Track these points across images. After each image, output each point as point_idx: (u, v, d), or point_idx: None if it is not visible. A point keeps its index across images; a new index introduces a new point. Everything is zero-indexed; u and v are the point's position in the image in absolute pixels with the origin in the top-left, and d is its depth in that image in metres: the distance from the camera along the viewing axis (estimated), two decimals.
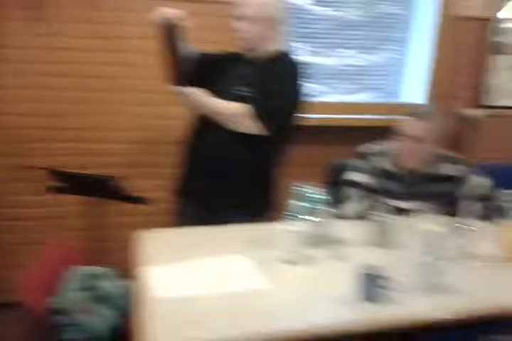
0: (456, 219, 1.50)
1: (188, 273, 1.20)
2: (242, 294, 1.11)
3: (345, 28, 2.60)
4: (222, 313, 1.02)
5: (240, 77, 1.69)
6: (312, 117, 2.38)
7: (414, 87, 2.71)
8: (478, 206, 1.64)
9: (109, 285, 1.16)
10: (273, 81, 1.62)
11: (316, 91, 2.58)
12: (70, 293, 1.10)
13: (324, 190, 1.46)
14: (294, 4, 2.46)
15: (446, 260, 1.20)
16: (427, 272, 1.12)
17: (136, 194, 1.96)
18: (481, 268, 1.32)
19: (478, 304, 1.10)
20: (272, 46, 1.69)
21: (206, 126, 1.68)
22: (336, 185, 1.88)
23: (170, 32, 1.54)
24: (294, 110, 1.65)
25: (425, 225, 1.15)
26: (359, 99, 2.71)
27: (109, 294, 1.13)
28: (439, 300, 1.11)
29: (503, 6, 2.64)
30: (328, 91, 2.67)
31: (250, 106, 1.58)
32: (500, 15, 2.65)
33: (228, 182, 1.69)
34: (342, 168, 1.91)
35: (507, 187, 1.74)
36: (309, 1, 2.52)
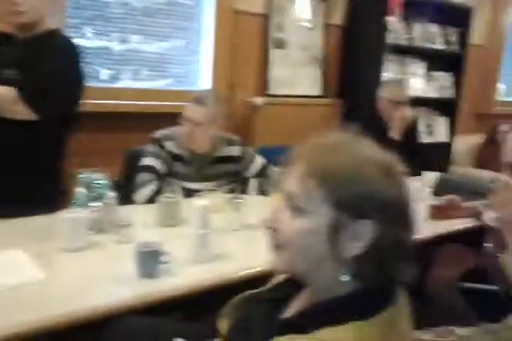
0: (238, 194, 1.67)
1: None
2: (14, 287, 1.06)
3: (134, 14, 2.59)
4: None
5: (5, 58, 1.55)
6: (108, 103, 2.37)
7: (205, 75, 2.86)
8: (256, 182, 1.85)
9: None
10: (45, 61, 1.52)
11: (108, 77, 2.52)
12: None
13: (104, 175, 1.47)
14: None
15: (222, 231, 1.33)
16: (202, 243, 1.24)
17: None
18: (253, 237, 1.49)
19: (241, 269, 1.22)
20: (49, 24, 1.59)
21: None
22: (133, 171, 1.90)
23: None
24: (70, 92, 1.58)
25: (199, 201, 1.25)
26: (156, 86, 2.74)
27: None
28: (212, 267, 1.22)
29: (279, 2, 2.96)
30: (121, 78, 2.63)
31: (17, 89, 1.47)
32: (277, 10, 2.97)
33: (11, 180, 1.56)
34: (139, 155, 1.94)
35: (278, 165, 1.99)
36: None
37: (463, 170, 3.25)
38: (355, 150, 0.71)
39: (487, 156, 3.44)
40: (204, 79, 2.88)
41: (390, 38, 3.10)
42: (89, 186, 1.40)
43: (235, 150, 1.97)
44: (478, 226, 1.77)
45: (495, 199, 1.39)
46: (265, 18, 2.94)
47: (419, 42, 3.42)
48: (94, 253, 1.28)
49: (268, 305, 0.83)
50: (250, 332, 0.80)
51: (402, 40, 3.30)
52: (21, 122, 1.49)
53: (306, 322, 0.69)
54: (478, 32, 3.88)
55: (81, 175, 1.42)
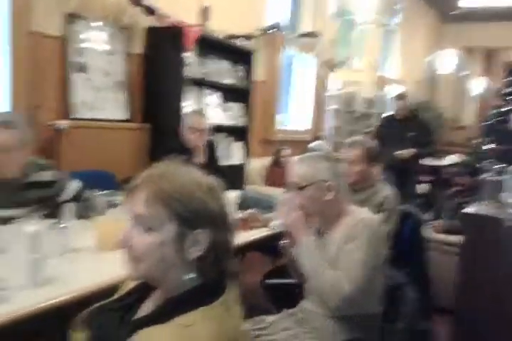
0: (56, 219, 1.66)
1: None
2: None
3: None
4: None
5: None
6: None
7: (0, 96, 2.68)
8: (73, 206, 1.85)
9: None
10: None
11: None
12: None
13: None
14: None
15: (50, 255, 1.34)
16: (34, 268, 1.23)
17: None
18: (80, 259, 1.52)
19: (77, 289, 1.27)
20: None
21: None
22: None
23: None
24: None
25: (28, 227, 1.25)
26: None
27: None
28: (46, 291, 1.23)
29: (79, 28, 2.98)
30: None
31: None
32: (77, 36, 2.97)
33: None
34: None
35: (94, 189, 2.03)
36: None
37: (256, 187, 3.74)
38: (183, 175, 0.89)
39: (274, 176, 4.03)
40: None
41: (188, 71, 3.39)
42: None
43: (46, 175, 1.93)
44: (271, 234, 2.14)
45: (279, 210, 1.74)
46: (64, 41, 2.91)
47: (213, 77, 3.82)
48: None
49: (121, 312, 0.94)
50: (107, 337, 0.89)
51: (198, 74, 3.64)
52: None
53: (160, 315, 0.83)
54: (259, 70, 4.53)
55: None
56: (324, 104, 5.84)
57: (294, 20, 5.43)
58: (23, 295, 1.18)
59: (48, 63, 2.83)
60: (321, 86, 5.75)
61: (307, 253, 1.49)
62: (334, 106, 5.83)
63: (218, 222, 0.88)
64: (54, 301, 1.19)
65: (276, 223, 2.11)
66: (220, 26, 3.85)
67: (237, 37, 4.12)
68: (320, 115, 5.85)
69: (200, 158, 2.91)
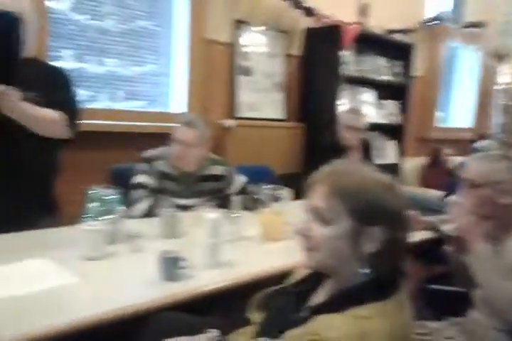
0: (227, 210, 1.83)
1: None
2: (51, 290, 1.16)
3: (105, 38, 2.71)
4: (39, 308, 1.07)
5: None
6: (85, 123, 2.46)
7: (177, 98, 3.03)
8: (240, 199, 2.02)
9: None
10: (62, 87, 1.67)
11: (84, 97, 2.62)
12: None
13: (116, 191, 1.59)
14: (50, 8, 2.43)
15: (225, 242, 1.50)
16: (213, 251, 1.39)
17: None
18: (249, 246, 1.67)
19: (248, 273, 1.40)
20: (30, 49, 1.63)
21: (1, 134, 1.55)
22: (121, 187, 2.01)
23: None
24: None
25: (209, 215, 1.42)
26: (126, 107, 2.86)
27: None
28: (222, 272, 1.38)
29: (244, 33, 3.21)
30: (92, 98, 2.73)
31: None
32: (243, 41, 3.21)
33: (33, 189, 1.66)
34: (125, 172, 2.06)
35: (256, 183, 2.18)
36: (66, 7, 2.55)
37: (411, 188, 3.60)
38: (362, 173, 0.93)
39: (430, 176, 3.83)
40: (176, 102, 3.04)
41: (344, 70, 3.42)
42: (100, 200, 1.52)
43: (219, 170, 2.15)
44: (430, 238, 2.05)
45: (450, 213, 1.66)
46: (232, 47, 3.17)
47: (370, 74, 3.78)
48: (113, 262, 1.40)
49: (295, 297, 1.01)
50: (284, 319, 0.97)
51: (354, 72, 3.65)
52: (41, 138, 1.60)
53: (336, 304, 0.88)
54: (418, 65, 4.34)
55: (92, 191, 1.54)
56: (490, 99, 5.34)
57: (457, 10, 5.05)
58: (204, 274, 1.35)
59: (217, 68, 3.12)
60: (486, 80, 5.27)
61: (481, 261, 1.40)
62: (503, 102, 5.29)
63: (395, 220, 0.90)
64: (233, 281, 1.33)
65: (447, 227, 2.01)
66: (378, 22, 3.79)
67: (396, 31, 4.00)
68: (484, 111, 5.37)
69: (355, 156, 2.91)
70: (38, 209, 1.68)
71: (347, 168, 0.96)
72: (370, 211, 0.88)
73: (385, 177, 0.94)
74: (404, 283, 0.95)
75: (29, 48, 1.58)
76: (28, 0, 1.59)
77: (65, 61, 2.56)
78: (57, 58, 2.51)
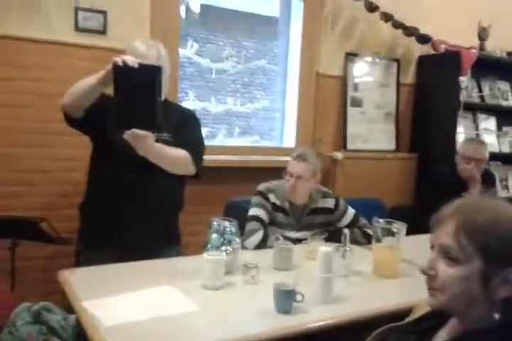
0: (338, 243, 1.84)
1: (124, 304, 1.32)
2: (173, 317, 1.26)
3: (226, 79, 2.94)
4: (160, 334, 1.18)
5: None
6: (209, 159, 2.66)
7: (289, 132, 3.14)
8: (351, 232, 2.01)
9: (59, 318, 1.22)
10: (190, 128, 1.86)
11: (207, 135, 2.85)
12: (22, 328, 1.14)
13: (234, 223, 1.69)
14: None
15: (337, 276, 1.51)
16: (326, 286, 1.41)
17: (61, 235, 1.98)
18: (361, 282, 1.65)
19: (362, 310, 1.40)
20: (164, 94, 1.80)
21: (139, 172, 1.74)
22: (235, 219, 2.13)
23: (152, 74, 1.53)
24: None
25: (322, 248, 1.44)
26: (245, 142, 3.04)
27: (59, 326, 1.19)
28: (334, 308, 1.39)
29: (356, 64, 3.25)
30: (212, 135, 2.95)
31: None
32: (354, 72, 3.25)
33: (164, 221, 1.86)
34: (240, 205, 2.18)
35: (366, 216, 2.16)
36: (191, 53, 2.81)
37: None
38: (497, 208, 0.88)
39: None
40: (288, 136, 3.15)
41: (462, 96, 3.27)
42: (220, 232, 1.63)
43: (329, 202, 2.17)
44: None
45: None
46: (343, 79, 3.22)
47: (489, 99, 3.57)
48: (230, 291, 1.48)
49: (414, 336, 0.98)
50: None
51: (473, 98, 3.47)
52: (173, 176, 1.79)
53: None
54: None
55: (214, 222, 1.66)
56: None
57: None
58: (318, 309, 1.37)
59: (328, 100, 3.19)
60: None
61: None
62: None
63: None
64: (345, 318, 1.33)
65: None
66: (499, 44, 3.58)
67: None
68: None
69: (476, 189, 2.74)
70: (165, 240, 1.85)
71: (479, 202, 0.90)
72: (505, 251, 0.83)
73: None
74: None
75: (164, 92, 1.78)
76: (164, 49, 1.81)
77: (190, 101, 2.83)
78: (184, 99, 2.78)
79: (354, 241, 2.09)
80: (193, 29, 2.82)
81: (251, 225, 2.02)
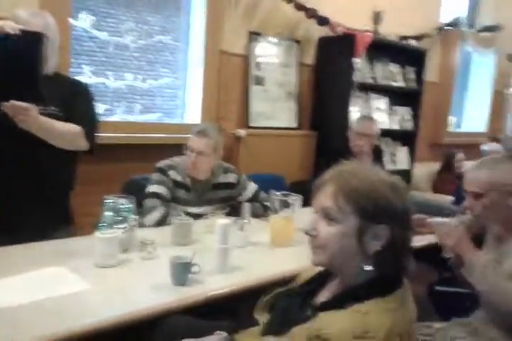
0: (237, 217, 1.89)
1: (6, 287, 1.26)
2: (60, 298, 1.22)
3: (123, 53, 2.82)
4: (50, 315, 1.14)
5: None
6: (104, 136, 2.55)
7: (192, 109, 3.12)
8: (250, 206, 2.07)
9: None
10: (80, 102, 1.76)
11: (103, 111, 2.73)
12: None
13: (131, 200, 1.67)
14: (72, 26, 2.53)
15: (234, 247, 1.56)
16: (223, 257, 1.45)
17: None
18: (258, 252, 1.72)
19: (258, 277, 1.46)
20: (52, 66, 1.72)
21: (21, 147, 1.65)
22: (136, 198, 2.09)
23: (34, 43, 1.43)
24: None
25: (219, 222, 1.48)
26: (142, 119, 2.96)
27: None
28: (231, 277, 1.44)
29: (259, 44, 3.28)
30: (110, 112, 2.83)
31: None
32: (257, 51, 3.28)
33: (53, 200, 1.76)
34: (141, 183, 2.14)
35: (268, 191, 2.24)
36: (86, 25, 2.66)
37: (422, 193, 3.61)
38: (370, 174, 0.98)
39: (443, 182, 3.83)
40: (191, 113, 3.13)
41: (356, 76, 3.46)
42: (115, 210, 1.60)
43: (231, 177, 2.21)
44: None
45: (437, 234, 1.61)
46: (246, 58, 3.25)
47: (382, 80, 3.82)
48: (126, 269, 1.47)
49: (300, 297, 1.06)
50: (289, 318, 1.01)
51: (367, 79, 3.69)
52: (62, 152, 1.70)
53: (339, 302, 0.92)
54: (431, 71, 4.35)
55: (107, 200, 1.61)
56: (505, 103, 5.31)
57: (472, 14, 5.06)
58: (215, 279, 1.41)
59: (231, 79, 3.20)
60: (501, 84, 5.24)
61: (478, 272, 1.42)
62: None
63: (400, 220, 0.94)
64: (241, 286, 1.39)
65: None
66: (392, 29, 3.82)
67: (409, 38, 4.03)
68: (499, 116, 5.33)
69: (366, 162, 2.94)
70: (55, 220, 1.77)
71: (354, 168, 0.99)
72: (376, 210, 0.92)
73: (391, 177, 0.98)
74: (408, 280, 0.99)
75: (52, 65, 1.67)
76: (52, 18, 1.69)
77: (85, 76, 2.68)
78: (79, 74, 2.63)
79: (254, 215, 2.16)
80: (93, 2, 2.66)
81: (150, 202, 2.00)
